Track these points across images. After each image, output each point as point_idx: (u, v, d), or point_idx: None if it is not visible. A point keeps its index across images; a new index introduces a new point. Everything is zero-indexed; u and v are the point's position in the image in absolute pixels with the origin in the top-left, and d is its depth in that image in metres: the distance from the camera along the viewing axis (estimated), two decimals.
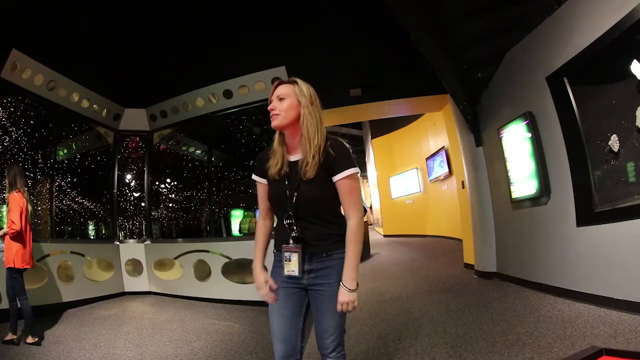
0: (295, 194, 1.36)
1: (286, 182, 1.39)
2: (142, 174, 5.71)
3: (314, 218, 1.38)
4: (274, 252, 1.51)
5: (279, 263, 1.45)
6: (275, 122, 1.37)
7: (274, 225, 1.55)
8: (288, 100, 1.37)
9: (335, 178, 1.34)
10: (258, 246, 1.52)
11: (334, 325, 1.38)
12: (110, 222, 5.51)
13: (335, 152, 1.35)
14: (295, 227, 1.37)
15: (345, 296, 1.31)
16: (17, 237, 3.09)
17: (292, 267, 1.36)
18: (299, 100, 1.37)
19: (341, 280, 1.33)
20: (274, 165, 1.40)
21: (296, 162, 1.39)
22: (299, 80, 1.42)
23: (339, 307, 1.31)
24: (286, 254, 1.37)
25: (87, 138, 5.39)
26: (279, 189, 1.40)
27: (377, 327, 3.21)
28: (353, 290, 1.32)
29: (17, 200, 3.11)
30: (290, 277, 1.39)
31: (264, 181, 1.47)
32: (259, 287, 1.42)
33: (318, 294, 1.40)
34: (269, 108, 1.39)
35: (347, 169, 1.33)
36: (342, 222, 1.40)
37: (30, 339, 3.05)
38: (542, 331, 2.65)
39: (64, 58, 4.45)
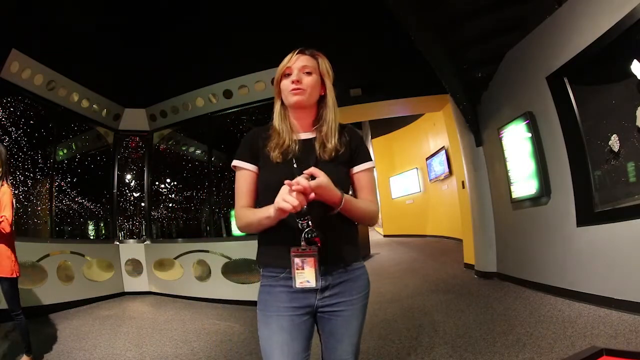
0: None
1: (294, 165, 1.11)
2: (142, 174, 5.71)
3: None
4: (260, 272, 1.16)
5: (274, 282, 1.10)
6: (298, 98, 1.11)
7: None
8: (315, 76, 1.15)
9: (358, 168, 1.17)
10: (258, 210, 1.10)
11: (352, 350, 1.13)
12: (110, 222, 5.51)
13: (357, 141, 1.20)
14: (309, 223, 1.05)
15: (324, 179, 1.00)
16: (7, 238, 2.59)
17: (306, 276, 1.03)
18: (323, 79, 1.18)
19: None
20: (277, 146, 1.12)
21: (309, 139, 1.16)
22: (322, 55, 1.20)
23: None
24: (297, 261, 1.03)
25: (87, 138, 5.39)
26: (285, 173, 1.06)
27: (377, 327, 3.21)
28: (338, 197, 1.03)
29: (10, 195, 2.60)
30: (299, 299, 1.08)
31: (254, 167, 1.15)
32: (284, 195, 0.95)
33: (335, 316, 1.12)
34: (293, 80, 1.11)
35: (369, 160, 1.18)
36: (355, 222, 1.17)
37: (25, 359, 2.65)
38: (542, 331, 2.65)
39: (64, 58, 4.44)
